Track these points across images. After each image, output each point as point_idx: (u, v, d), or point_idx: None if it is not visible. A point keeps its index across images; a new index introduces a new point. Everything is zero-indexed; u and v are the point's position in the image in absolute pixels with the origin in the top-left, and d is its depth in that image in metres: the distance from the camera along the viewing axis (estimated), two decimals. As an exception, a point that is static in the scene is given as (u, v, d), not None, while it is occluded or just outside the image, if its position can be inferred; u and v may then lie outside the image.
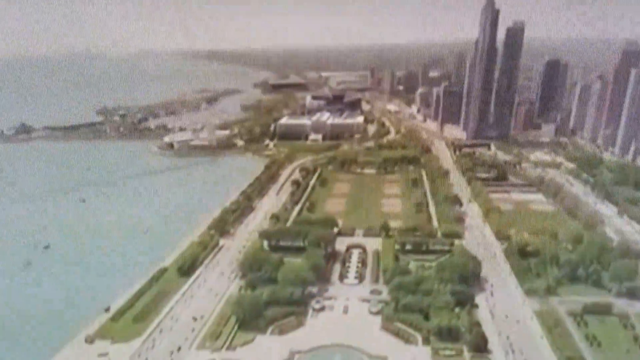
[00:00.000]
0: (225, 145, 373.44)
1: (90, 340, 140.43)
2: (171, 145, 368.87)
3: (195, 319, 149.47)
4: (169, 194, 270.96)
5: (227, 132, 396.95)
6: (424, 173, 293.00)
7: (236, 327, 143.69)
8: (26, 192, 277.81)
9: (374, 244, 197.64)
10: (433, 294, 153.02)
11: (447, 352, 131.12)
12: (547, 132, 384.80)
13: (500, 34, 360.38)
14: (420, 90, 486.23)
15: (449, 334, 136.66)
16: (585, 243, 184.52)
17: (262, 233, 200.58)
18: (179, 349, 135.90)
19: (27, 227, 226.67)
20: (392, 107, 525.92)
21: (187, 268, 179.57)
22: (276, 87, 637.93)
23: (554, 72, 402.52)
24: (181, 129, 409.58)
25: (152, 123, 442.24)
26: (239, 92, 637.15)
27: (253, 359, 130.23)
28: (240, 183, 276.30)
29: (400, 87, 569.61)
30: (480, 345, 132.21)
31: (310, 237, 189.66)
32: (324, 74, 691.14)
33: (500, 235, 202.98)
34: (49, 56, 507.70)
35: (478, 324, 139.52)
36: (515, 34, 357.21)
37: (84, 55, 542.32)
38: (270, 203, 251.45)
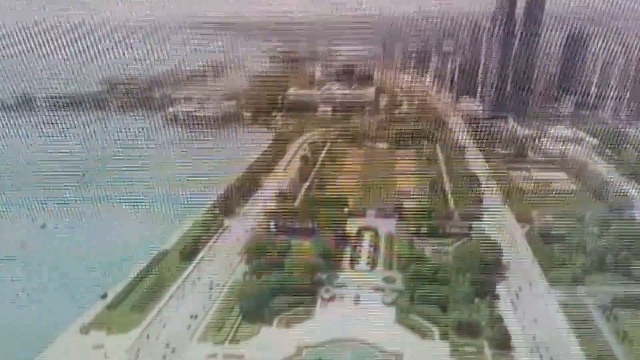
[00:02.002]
0: (232, 117, 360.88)
1: (85, 330, 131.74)
2: (176, 117, 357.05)
3: (193, 316, 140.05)
4: (172, 169, 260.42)
5: (233, 103, 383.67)
6: (438, 148, 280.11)
7: (240, 318, 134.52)
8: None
9: (386, 226, 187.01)
10: (451, 283, 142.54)
11: (467, 349, 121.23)
12: (567, 105, 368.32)
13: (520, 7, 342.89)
14: (434, 60, 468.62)
15: (469, 329, 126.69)
16: (613, 228, 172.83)
17: (269, 214, 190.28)
18: (178, 341, 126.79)
19: (24, 206, 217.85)
20: (404, 77, 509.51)
21: (189, 251, 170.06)
22: (285, 59, 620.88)
23: (575, 44, 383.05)
24: (186, 99, 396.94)
25: (156, 93, 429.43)
26: (246, 61, 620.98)
27: (258, 354, 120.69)
28: (246, 158, 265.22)
29: (413, 61, 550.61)
30: (503, 342, 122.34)
31: (320, 218, 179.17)
32: (334, 46, 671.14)
33: (522, 218, 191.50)
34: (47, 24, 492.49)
35: (500, 318, 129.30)
36: (535, 6, 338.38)
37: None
38: (278, 180, 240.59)
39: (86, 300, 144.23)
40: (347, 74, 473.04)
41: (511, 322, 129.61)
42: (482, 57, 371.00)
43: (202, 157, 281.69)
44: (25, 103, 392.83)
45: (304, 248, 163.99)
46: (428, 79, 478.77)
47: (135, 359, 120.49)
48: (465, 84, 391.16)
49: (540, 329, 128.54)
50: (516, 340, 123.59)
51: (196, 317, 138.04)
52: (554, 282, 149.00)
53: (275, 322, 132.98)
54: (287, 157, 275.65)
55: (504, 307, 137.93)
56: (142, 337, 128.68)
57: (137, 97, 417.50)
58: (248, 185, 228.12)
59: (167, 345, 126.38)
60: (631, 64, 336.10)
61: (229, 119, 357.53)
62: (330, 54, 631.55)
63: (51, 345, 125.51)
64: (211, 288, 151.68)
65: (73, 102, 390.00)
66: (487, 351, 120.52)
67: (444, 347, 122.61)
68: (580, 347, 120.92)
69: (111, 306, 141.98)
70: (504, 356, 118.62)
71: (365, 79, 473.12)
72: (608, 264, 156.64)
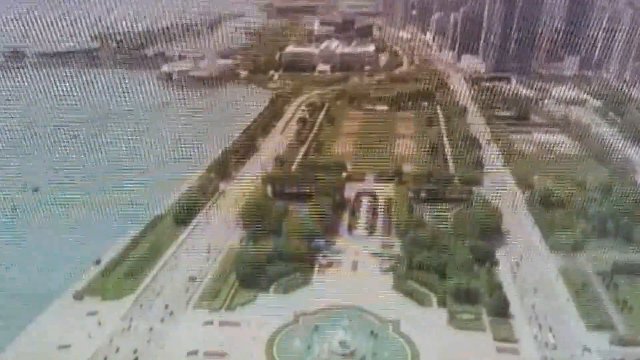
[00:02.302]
0: (228, 76, 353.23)
1: (78, 296, 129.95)
2: (170, 76, 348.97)
3: (191, 279, 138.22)
4: (166, 131, 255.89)
5: (229, 61, 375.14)
6: (439, 110, 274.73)
7: (236, 285, 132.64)
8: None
9: (385, 190, 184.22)
10: (450, 250, 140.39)
11: (465, 316, 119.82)
12: (570, 64, 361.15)
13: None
14: (436, 15, 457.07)
15: (467, 296, 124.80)
16: (615, 193, 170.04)
17: (266, 178, 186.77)
18: (173, 310, 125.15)
19: (15, 169, 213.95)
20: (405, 34, 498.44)
21: (184, 216, 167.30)
22: (282, 11, 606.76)
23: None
24: (181, 58, 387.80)
25: (150, 50, 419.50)
26: (243, 16, 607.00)
27: (254, 321, 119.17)
28: (242, 119, 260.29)
29: (415, 12, 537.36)
30: (501, 309, 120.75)
31: (318, 183, 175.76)
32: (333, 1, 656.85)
33: (523, 183, 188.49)
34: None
35: (499, 285, 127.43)
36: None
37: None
38: (275, 143, 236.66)
39: (80, 266, 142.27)
40: (346, 29, 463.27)
41: (510, 289, 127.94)
42: (486, 12, 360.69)
43: (196, 118, 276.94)
44: (15, 60, 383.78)
45: (302, 214, 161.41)
46: (429, 36, 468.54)
47: (130, 326, 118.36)
48: (467, 42, 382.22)
49: (540, 296, 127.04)
50: (515, 307, 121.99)
51: (194, 279, 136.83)
52: (554, 248, 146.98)
53: (272, 288, 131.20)
54: (284, 119, 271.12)
55: (503, 273, 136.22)
56: (136, 303, 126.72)
57: (130, 54, 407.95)
58: (244, 148, 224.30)
59: (166, 307, 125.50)
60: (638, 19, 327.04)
61: (224, 78, 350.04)
62: (329, 6, 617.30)
63: (45, 312, 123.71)
64: (209, 251, 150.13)
65: (64, 59, 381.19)
66: (485, 318, 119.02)
67: (441, 314, 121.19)
68: (579, 315, 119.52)
69: (105, 272, 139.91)
70: (503, 324, 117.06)
71: (365, 35, 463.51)
72: (609, 229, 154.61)
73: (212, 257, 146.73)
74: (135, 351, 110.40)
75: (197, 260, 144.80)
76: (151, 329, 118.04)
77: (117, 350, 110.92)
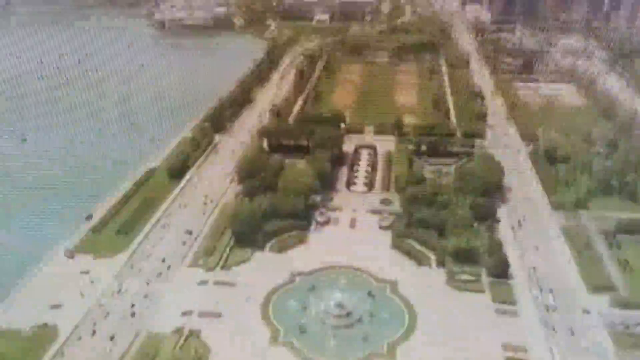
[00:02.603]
0: (223, 25, 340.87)
1: (70, 254, 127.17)
2: (162, 24, 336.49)
3: (188, 232, 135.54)
4: (158, 80, 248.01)
5: (224, 9, 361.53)
6: (442, 61, 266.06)
7: (232, 243, 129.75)
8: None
9: (385, 144, 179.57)
10: (451, 207, 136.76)
11: (464, 277, 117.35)
12: (578, 13, 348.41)
13: None
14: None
15: (467, 256, 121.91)
16: (621, 149, 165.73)
17: (262, 131, 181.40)
18: (169, 267, 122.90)
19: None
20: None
21: (177, 169, 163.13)
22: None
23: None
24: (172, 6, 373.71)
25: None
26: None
27: (250, 281, 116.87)
28: (238, 69, 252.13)
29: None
30: (501, 270, 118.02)
31: (315, 136, 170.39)
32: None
33: (526, 136, 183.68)
34: None
35: (499, 245, 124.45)
36: None
37: None
38: (271, 94, 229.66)
39: (70, 221, 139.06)
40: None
41: (511, 249, 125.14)
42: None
43: (190, 68, 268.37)
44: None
45: (298, 168, 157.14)
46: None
47: (122, 286, 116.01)
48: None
49: (541, 256, 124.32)
50: (515, 268, 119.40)
51: (191, 233, 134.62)
52: (556, 206, 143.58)
53: (268, 247, 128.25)
54: (281, 69, 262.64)
55: (504, 232, 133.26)
56: (129, 261, 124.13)
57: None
58: (240, 99, 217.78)
59: (163, 261, 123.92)
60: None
61: (219, 27, 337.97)
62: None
63: (35, 270, 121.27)
64: (205, 204, 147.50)
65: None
66: (485, 279, 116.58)
67: (440, 274, 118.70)
68: (580, 276, 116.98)
69: (97, 229, 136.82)
70: (502, 285, 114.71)
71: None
72: (613, 187, 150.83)
73: (206, 213, 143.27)
74: (132, 312, 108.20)
75: (191, 217, 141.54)
76: (147, 283, 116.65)
77: (110, 310, 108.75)
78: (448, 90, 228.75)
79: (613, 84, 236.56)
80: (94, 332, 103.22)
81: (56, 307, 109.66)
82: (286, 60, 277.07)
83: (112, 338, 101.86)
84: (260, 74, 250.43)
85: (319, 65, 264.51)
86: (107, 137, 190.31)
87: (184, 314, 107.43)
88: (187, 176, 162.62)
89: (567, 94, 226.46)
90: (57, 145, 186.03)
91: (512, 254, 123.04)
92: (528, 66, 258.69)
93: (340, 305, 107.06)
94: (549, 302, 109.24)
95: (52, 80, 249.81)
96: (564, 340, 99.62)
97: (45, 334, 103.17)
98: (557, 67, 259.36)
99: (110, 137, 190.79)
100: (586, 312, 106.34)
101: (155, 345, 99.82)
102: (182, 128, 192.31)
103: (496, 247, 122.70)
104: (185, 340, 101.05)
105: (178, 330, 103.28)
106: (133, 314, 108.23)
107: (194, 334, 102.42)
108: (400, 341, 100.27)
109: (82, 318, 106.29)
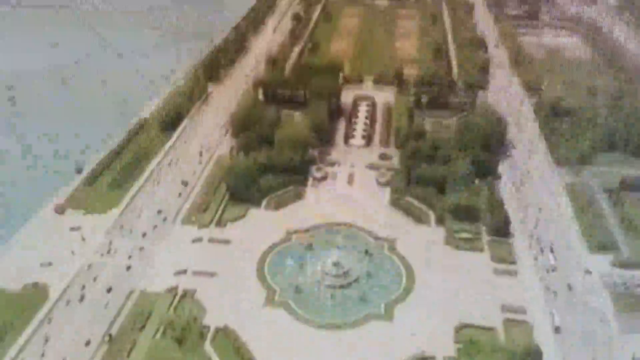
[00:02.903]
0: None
1: (60, 209, 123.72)
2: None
3: (184, 183, 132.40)
4: (149, 23, 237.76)
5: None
6: (444, 7, 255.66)
7: (226, 198, 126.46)
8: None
9: (385, 95, 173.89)
10: (451, 162, 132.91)
11: (463, 235, 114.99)
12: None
13: None
14: None
15: (467, 213, 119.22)
16: (626, 102, 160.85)
17: (257, 81, 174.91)
18: (165, 219, 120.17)
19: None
20: None
21: (170, 121, 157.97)
22: None
23: None
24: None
25: None
26: None
27: (244, 239, 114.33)
28: (232, 15, 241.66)
29: None
30: (501, 228, 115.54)
31: (312, 87, 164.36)
32: None
33: (530, 88, 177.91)
34: None
35: (500, 202, 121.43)
36: None
37: None
38: (267, 42, 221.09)
39: (60, 175, 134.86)
40: None
41: (512, 206, 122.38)
42: None
43: (182, 13, 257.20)
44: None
45: (295, 121, 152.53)
46: None
47: (113, 245, 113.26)
48: None
49: (542, 214, 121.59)
50: (516, 226, 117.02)
51: (186, 184, 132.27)
52: (559, 161, 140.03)
53: (264, 203, 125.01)
54: (277, 15, 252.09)
55: (505, 188, 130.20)
56: (121, 218, 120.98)
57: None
58: (234, 46, 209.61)
59: (159, 212, 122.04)
60: None
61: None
62: None
63: (25, 226, 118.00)
64: (201, 154, 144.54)
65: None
66: (484, 238, 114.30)
67: (439, 232, 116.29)
68: (582, 234, 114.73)
69: (88, 182, 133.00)
70: (502, 244, 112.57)
71: None
72: (618, 141, 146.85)
73: (200, 167, 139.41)
74: (125, 269, 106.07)
75: (185, 170, 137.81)
76: (143, 236, 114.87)
77: (101, 270, 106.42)
78: (450, 38, 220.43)
79: (620, 32, 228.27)
80: (84, 292, 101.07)
81: (46, 265, 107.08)
82: (282, 5, 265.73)
83: (108, 290, 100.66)
84: (256, 20, 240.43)
85: (316, 10, 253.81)
86: (94, 79, 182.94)
87: (178, 273, 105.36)
88: (180, 128, 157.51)
89: (572, 44, 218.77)
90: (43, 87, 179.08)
91: (513, 211, 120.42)
92: (533, 14, 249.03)
93: (337, 265, 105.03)
94: (549, 262, 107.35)
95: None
96: (564, 301, 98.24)
97: (36, 293, 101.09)
98: (563, 15, 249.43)
99: (98, 79, 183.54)
100: (587, 272, 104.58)
101: (148, 305, 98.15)
102: (174, 76, 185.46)
103: (497, 205, 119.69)
104: (180, 300, 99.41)
105: (172, 290, 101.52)
106: (128, 268, 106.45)
107: (188, 293, 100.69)
108: (398, 301, 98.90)
109: (73, 277, 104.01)
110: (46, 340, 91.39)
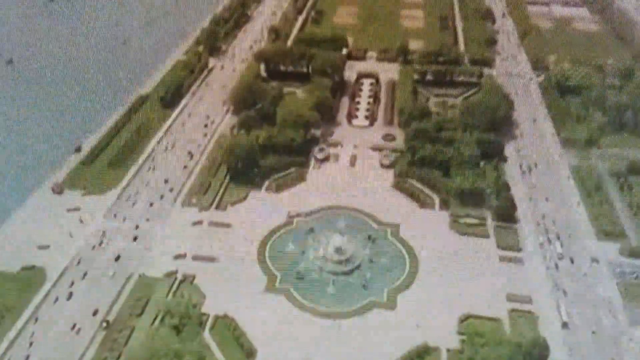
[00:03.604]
0: None
1: (58, 189, 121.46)
2: None
3: (187, 164, 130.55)
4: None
5: None
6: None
7: (227, 180, 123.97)
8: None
9: (389, 71, 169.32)
10: (456, 144, 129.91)
11: (468, 221, 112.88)
12: None
13: None
14: None
15: (472, 197, 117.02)
16: (636, 79, 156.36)
17: (259, 54, 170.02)
18: (171, 189, 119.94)
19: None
20: None
21: (171, 97, 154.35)
22: None
23: None
24: None
25: None
26: None
27: (245, 223, 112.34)
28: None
29: None
30: (507, 214, 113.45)
31: (315, 62, 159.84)
32: None
33: (538, 64, 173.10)
34: None
35: (506, 187, 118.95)
36: None
37: None
38: (270, 11, 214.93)
39: (58, 153, 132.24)
40: None
41: (518, 190, 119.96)
42: None
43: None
44: None
45: (297, 98, 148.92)
46: None
47: (111, 230, 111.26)
48: None
49: (548, 198, 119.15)
50: (521, 211, 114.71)
51: (192, 156, 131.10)
52: (567, 143, 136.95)
53: (265, 185, 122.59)
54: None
55: (511, 172, 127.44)
56: (120, 199, 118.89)
57: None
58: (235, 16, 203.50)
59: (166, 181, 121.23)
60: None
61: None
62: None
63: (22, 207, 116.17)
64: (206, 125, 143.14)
65: None
66: (490, 223, 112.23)
67: (443, 217, 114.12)
68: (589, 221, 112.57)
69: (86, 161, 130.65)
70: (508, 229, 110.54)
71: None
72: (627, 121, 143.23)
73: (200, 146, 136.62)
74: (121, 255, 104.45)
75: (185, 149, 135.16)
76: (146, 219, 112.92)
77: (99, 253, 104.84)
78: (457, 10, 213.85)
79: (630, 4, 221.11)
80: (81, 276, 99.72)
81: (44, 247, 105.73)
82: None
83: (106, 274, 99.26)
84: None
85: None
86: (95, 58, 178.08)
87: (177, 257, 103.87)
88: (181, 104, 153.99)
89: (581, 16, 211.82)
90: (46, 69, 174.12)
91: (518, 196, 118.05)
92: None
93: (339, 251, 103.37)
94: (555, 250, 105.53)
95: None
96: (571, 291, 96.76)
97: (33, 276, 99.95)
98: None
99: (98, 58, 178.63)
100: (595, 260, 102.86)
101: (147, 290, 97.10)
102: (174, 49, 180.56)
103: (502, 189, 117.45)
104: (179, 285, 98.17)
105: (171, 275, 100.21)
106: (126, 251, 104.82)
107: (187, 278, 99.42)
108: (401, 289, 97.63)
109: (70, 260, 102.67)
110: (42, 325, 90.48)
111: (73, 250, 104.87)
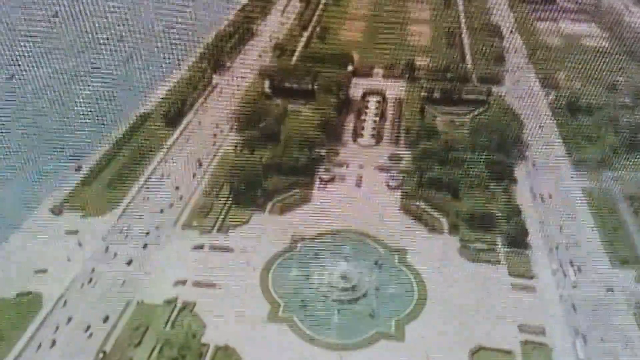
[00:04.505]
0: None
1: (57, 210, 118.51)
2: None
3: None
4: (152, 10, 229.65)
5: None
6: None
7: (230, 201, 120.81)
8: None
9: (395, 88, 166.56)
10: (465, 165, 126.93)
11: (479, 246, 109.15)
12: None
13: None
14: None
15: (482, 221, 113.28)
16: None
17: (263, 71, 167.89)
18: (163, 220, 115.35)
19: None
20: None
21: (173, 114, 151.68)
22: None
23: None
24: None
25: None
26: None
27: (248, 247, 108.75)
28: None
29: None
30: (519, 239, 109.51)
31: (321, 79, 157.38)
32: None
33: (547, 82, 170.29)
34: None
35: (517, 210, 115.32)
36: None
37: None
38: (274, 27, 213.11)
39: (58, 173, 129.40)
40: None
41: (529, 214, 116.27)
42: None
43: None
44: None
45: (302, 116, 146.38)
46: None
47: (110, 253, 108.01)
48: None
49: (561, 223, 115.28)
50: (533, 236, 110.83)
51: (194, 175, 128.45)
52: (578, 164, 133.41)
53: (268, 207, 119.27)
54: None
55: (521, 194, 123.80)
56: (120, 222, 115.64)
57: None
58: (240, 32, 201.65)
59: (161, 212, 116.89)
60: None
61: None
62: None
63: (20, 229, 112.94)
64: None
65: None
66: (500, 249, 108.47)
67: (453, 242, 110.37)
68: (603, 247, 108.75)
69: (86, 181, 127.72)
70: (519, 255, 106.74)
71: None
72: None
73: (203, 165, 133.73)
74: (122, 280, 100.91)
75: (188, 169, 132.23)
76: (144, 247, 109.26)
77: (98, 277, 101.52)
78: (464, 25, 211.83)
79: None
80: (79, 302, 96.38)
81: (41, 272, 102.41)
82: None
83: (104, 301, 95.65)
84: (263, 1, 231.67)
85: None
86: (98, 74, 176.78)
87: (177, 283, 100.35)
88: (184, 122, 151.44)
89: (590, 33, 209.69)
90: (45, 82, 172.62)
91: (529, 220, 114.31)
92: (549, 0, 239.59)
93: (345, 278, 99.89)
94: (569, 277, 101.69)
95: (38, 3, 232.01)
96: (586, 322, 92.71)
97: (29, 302, 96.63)
98: (580, 1, 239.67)
99: (101, 73, 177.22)
100: (610, 289, 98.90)
101: (146, 318, 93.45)
102: (177, 65, 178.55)
103: (514, 213, 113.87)
104: (178, 313, 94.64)
105: (171, 302, 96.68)
106: (125, 276, 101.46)
107: (187, 306, 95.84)
108: (410, 319, 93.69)
109: (68, 286, 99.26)
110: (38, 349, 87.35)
111: (71, 275, 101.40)
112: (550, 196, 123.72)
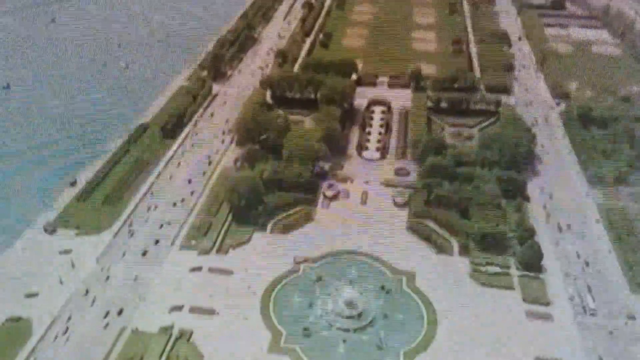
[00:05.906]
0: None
1: (51, 228, 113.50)
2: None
3: (187, 201, 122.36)
4: (151, 17, 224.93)
5: None
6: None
7: (229, 219, 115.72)
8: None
9: (401, 98, 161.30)
10: (475, 181, 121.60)
11: (491, 269, 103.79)
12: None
13: None
14: None
15: (494, 242, 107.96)
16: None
17: (265, 81, 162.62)
18: (159, 240, 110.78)
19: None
20: None
21: (172, 126, 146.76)
22: None
23: None
24: None
25: None
26: None
27: (248, 269, 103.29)
28: (238, 2, 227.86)
29: None
30: (533, 262, 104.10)
31: (324, 89, 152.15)
32: None
33: (558, 92, 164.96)
34: None
35: (531, 231, 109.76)
36: None
37: None
38: (277, 32, 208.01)
39: (52, 188, 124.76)
40: None
41: (543, 235, 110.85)
42: None
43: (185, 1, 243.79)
44: None
45: (305, 129, 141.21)
46: None
47: (106, 272, 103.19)
48: None
49: (576, 244, 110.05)
50: (548, 259, 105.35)
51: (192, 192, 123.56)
52: (593, 181, 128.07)
53: (270, 226, 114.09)
54: (287, 3, 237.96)
55: (534, 213, 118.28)
56: (115, 240, 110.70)
57: None
58: (241, 39, 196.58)
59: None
60: None
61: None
62: None
63: (12, 248, 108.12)
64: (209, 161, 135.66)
65: None
66: (514, 272, 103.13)
67: (463, 264, 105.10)
68: (622, 270, 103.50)
69: (82, 197, 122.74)
70: (534, 280, 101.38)
71: None
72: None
73: (202, 181, 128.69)
74: (119, 309, 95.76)
75: (186, 185, 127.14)
76: (131, 272, 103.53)
77: (90, 302, 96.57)
78: (470, 32, 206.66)
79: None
80: (70, 329, 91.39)
81: (32, 296, 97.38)
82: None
83: (105, 327, 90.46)
84: (265, 8, 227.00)
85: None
86: (94, 83, 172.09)
87: (173, 309, 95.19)
88: (183, 134, 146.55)
89: (601, 41, 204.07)
90: (40, 90, 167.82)
91: (544, 241, 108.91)
92: (558, 4, 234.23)
93: (350, 305, 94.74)
94: (587, 304, 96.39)
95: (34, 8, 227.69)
96: (606, 354, 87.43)
97: (18, 329, 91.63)
98: (590, 6, 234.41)
99: (97, 82, 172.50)
100: (630, 317, 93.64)
101: (140, 348, 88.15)
102: (176, 73, 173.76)
103: (527, 235, 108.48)
104: (175, 343, 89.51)
105: (167, 330, 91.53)
106: (120, 300, 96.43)
107: (184, 335, 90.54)
108: (419, 350, 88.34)
109: (59, 311, 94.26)
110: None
111: (62, 299, 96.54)
112: (565, 215, 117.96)
